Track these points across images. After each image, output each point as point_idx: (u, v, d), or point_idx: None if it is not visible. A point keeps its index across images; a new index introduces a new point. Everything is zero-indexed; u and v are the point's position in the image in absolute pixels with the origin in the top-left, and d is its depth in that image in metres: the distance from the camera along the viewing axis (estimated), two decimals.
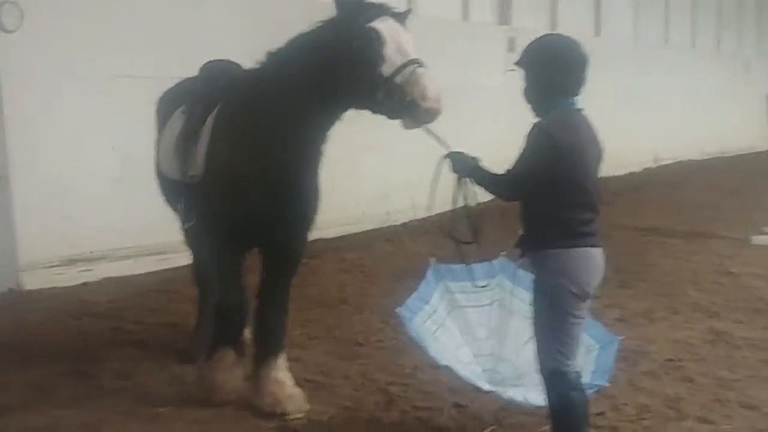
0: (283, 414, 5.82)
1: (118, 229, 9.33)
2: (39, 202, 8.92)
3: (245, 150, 5.60)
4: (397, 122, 5.14)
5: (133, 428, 5.57)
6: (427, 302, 5.89)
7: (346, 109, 5.46)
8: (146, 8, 9.80)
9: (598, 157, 4.75)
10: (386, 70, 5.08)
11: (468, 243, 5.19)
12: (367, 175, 12.45)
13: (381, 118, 5.21)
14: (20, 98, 8.78)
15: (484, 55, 15.52)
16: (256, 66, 5.82)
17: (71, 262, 9.22)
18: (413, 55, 5.13)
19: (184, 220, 6.37)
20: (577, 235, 4.65)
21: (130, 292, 8.94)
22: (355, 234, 12.15)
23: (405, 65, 5.05)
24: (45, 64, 8.94)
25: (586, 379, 5.20)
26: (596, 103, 19.46)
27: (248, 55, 5.86)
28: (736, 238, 12.54)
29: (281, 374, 6.00)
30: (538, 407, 5.25)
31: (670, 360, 7.08)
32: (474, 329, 6.07)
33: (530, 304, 4.96)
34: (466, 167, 4.94)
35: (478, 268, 6.10)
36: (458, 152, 4.99)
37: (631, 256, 11.26)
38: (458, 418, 5.80)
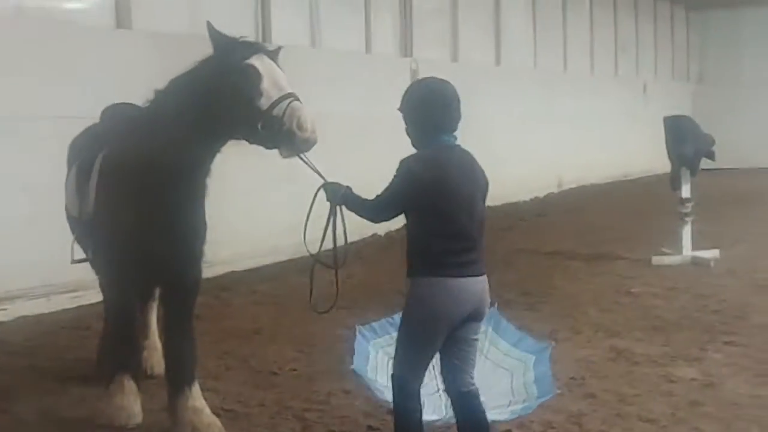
0: None
1: (31, 268, 9.35)
2: None
3: (127, 188, 5.89)
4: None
5: None
6: (367, 359, 6.18)
7: (225, 141, 5.77)
8: (53, 48, 9.89)
9: (476, 190, 5.11)
10: (264, 103, 5.41)
11: (333, 267, 5.51)
12: (278, 207, 12.61)
13: None
14: None
15: (388, 86, 15.79)
16: (146, 104, 6.11)
17: None
18: (289, 89, 5.49)
19: (73, 255, 6.74)
20: (441, 264, 4.98)
21: (45, 330, 8.99)
22: (267, 266, 12.30)
23: (281, 98, 5.40)
24: None
25: (531, 400, 5.77)
26: (498, 130, 19.94)
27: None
28: (636, 259, 13.02)
29: (198, 402, 6.16)
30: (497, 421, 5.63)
31: (573, 378, 7.33)
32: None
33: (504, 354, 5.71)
34: (338, 195, 5.30)
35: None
36: (332, 183, 5.35)
37: (535, 279, 11.65)
38: None
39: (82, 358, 7.89)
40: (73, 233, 6.94)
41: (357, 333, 6.35)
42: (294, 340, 8.62)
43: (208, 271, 11.32)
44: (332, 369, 7.65)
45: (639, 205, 19.60)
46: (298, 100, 5.43)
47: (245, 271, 11.81)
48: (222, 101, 5.55)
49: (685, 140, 12.61)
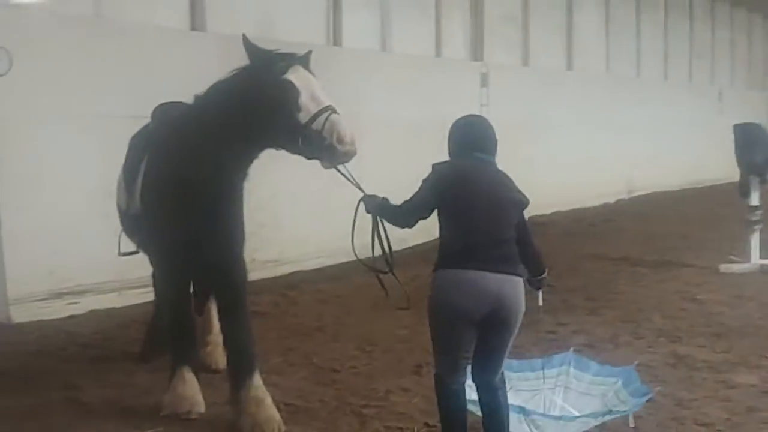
0: None
1: (104, 263, 9.58)
2: (28, 238, 9.24)
3: (174, 183, 6.18)
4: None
5: None
6: None
7: (263, 149, 6.04)
8: (131, 48, 10.19)
9: (502, 197, 5.37)
10: (303, 117, 5.63)
11: (384, 273, 5.78)
12: (342, 209, 12.75)
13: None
14: (10, 139, 9.17)
15: (458, 90, 15.94)
16: (187, 107, 6.40)
17: (59, 295, 9.54)
18: (327, 102, 5.70)
19: (120, 248, 7.22)
20: (453, 258, 5.26)
21: (115, 324, 9.27)
22: (332, 266, 12.42)
23: (320, 112, 5.62)
24: (33, 106, 9.33)
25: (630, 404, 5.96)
26: (569, 135, 19.83)
27: None
28: (704, 266, 12.88)
29: (260, 392, 6.36)
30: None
31: None
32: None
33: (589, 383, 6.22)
34: (375, 206, 5.58)
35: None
36: (370, 195, 5.64)
37: (600, 284, 11.64)
38: None
39: None
40: (122, 226, 7.32)
41: None
42: (355, 338, 8.79)
43: (275, 270, 11.76)
44: (392, 368, 7.83)
45: (709, 212, 19.38)
46: (336, 112, 5.65)
47: (311, 270, 12.00)
48: (261, 115, 5.79)
49: (755, 148, 12.47)
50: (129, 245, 7.33)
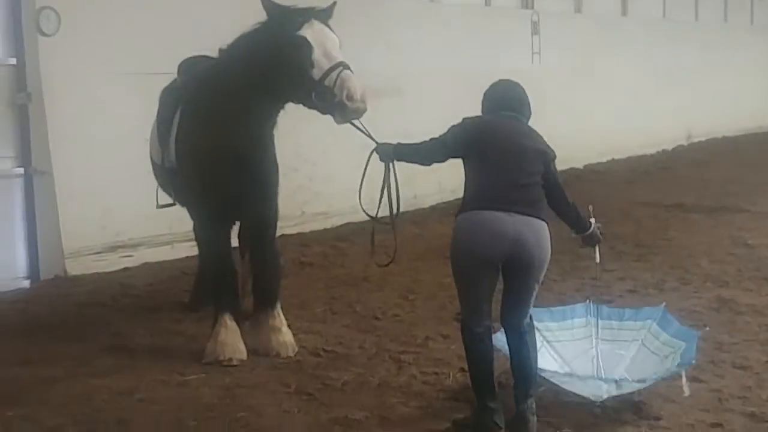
0: (277, 356, 6.70)
1: (156, 216, 9.79)
2: (81, 194, 9.48)
3: (205, 136, 6.42)
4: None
5: (163, 393, 6.11)
6: None
7: (284, 103, 6.24)
8: (175, 7, 10.33)
9: (527, 147, 5.43)
10: (316, 73, 5.80)
11: (387, 223, 5.96)
12: None
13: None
14: (60, 98, 9.37)
15: (509, 39, 15.86)
16: (213, 62, 6.60)
17: (112, 248, 9.79)
18: (339, 58, 5.86)
19: (158, 201, 7.55)
20: (473, 202, 5.34)
21: (168, 276, 9.52)
22: (382, 217, 12.47)
23: (332, 68, 5.77)
24: (82, 64, 9.51)
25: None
26: (625, 82, 19.52)
27: None
28: (759, 211, 12.81)
29: (277, 321, 6.80)
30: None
31: None
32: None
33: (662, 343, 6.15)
34: (389, 152, 5.63)
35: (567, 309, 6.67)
36: (383, 143, 5.69)
37: (651, 231, 11.62)
38: (463, 382, 6.18)
39: None
40: (157, 180, 7.59)
41: None
42: (400, 287, 8.93)
43: (325, 222, 11.89)
44: (433, 315, 7.96)
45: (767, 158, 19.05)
46: (348, 68, 5.79)
47: (360, 222, 12.09)
48: (277, 71, 5.97)
49: None
50: (166, 198, 7.57)
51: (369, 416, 5.69)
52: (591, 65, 18.17)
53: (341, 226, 11.93)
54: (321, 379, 6.36)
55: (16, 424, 5.66)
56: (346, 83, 5.72)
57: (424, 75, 13.62)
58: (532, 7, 17.13)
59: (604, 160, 18.28)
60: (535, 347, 5.54)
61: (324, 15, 6.07)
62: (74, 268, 9.43)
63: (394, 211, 5.89)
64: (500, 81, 5.77)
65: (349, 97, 5.71)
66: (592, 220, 5.79)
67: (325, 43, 5.89)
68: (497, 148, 5.38)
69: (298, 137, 10.26)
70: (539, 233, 5.31)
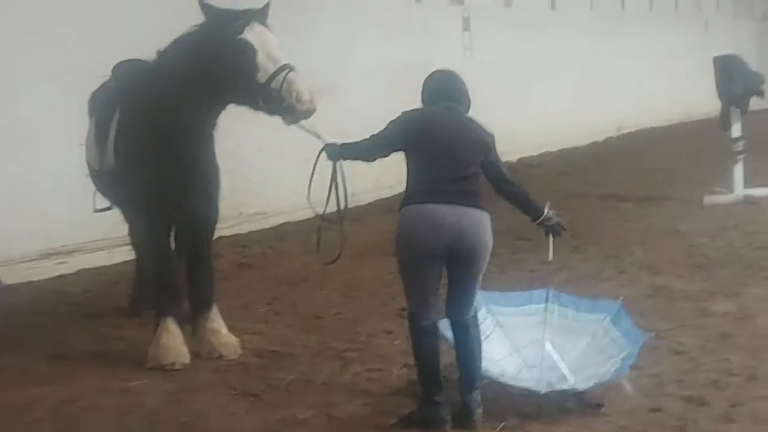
0: (220, 358, 6.69)
1: (91, 222, 9.67)
2: (12, 200, 9.28)
3: (146, 138, 6.38)
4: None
5: (107, 401, 6.05)
6: None
7: (227, 104, 6.24)
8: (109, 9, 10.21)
9: (464, 139, 5.48)
10: (261, 77, 5.81)
11: (334, 222, 6.02)
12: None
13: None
14: None
15: (440, 36, 15.89)
16: (150, 64, 6.54)
17: (47, 255, 9.64)
18: (283, 60, 5.87)
19: (95, 205, 7.49)
20: (414, 195, 5.41)
21: (105, 282, 9.42)
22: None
23: (278, 71, 5.78)
24: (8, 66, 9.34)
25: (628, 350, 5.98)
26: (554, 75, 19.62)
27: None
28: (689, 200, 13.02)
29: (215, 323, 6.79)
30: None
31: None
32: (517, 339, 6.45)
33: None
34: (337, 152, 5.69)
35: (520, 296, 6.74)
36: (330, 143, 5.74)
37: (585, 222, 11.72)
38: (407, 377, 6.24)
39: None
40: (94, 184, 7.50)
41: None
42: (341, 285, 8.96)
43: (263, 222, 11.84)
44: (376, 312, 8.00)
45: (696, 147, 19.28)
46: (293, 70, 5.82)
47: (299, 221, 12.07)
48: (220, 75, 5.95)
49: (734, 79, 12.60)
50: (103, 202, 7.49)
51: (316, 415, 5.71)
52: (522, 59, 18.32)
53: (279, 225, 11.91)
54: (266, 379, 6.36)
55: None
56: (294, 85, 5.75)
57: (357, 72, 13.62)
58: (462, 3, 17.19)
59: (537, 153, 18.44)
60: (480, 340, 5.60)
61: (261, 16, 6.06)
62: (8, 277, 9.26)
63: (342, 208, 5.90)
64: (438, 71, 5.81)
65: (299, 99, 5.73)
66: (546, 207, 5.79)
67: (267, 45, 5.90)
68: (436, 141, 5.43)
69: (234, 138, 10.19)
70: (480, 224, 5.38)
